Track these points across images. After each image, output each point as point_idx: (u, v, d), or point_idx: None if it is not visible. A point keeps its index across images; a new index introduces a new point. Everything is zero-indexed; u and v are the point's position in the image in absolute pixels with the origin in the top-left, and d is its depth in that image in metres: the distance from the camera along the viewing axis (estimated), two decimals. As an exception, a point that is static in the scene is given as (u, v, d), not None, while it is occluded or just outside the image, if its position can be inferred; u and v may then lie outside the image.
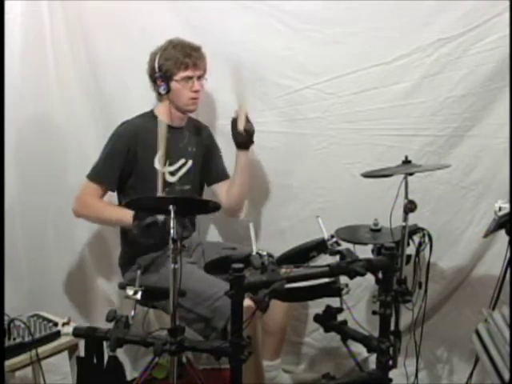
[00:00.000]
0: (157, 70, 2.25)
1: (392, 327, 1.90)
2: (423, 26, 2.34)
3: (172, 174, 2.34)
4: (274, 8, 2.43)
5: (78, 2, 2.46)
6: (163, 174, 2.25)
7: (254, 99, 2.52)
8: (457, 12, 2.30)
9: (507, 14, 2.22)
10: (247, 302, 1.77)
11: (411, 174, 1.94)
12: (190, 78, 2.26)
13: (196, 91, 2.28)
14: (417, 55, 2.36)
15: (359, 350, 2.21)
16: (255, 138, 2.40)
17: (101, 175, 2.25)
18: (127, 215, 2.07)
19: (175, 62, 2.23)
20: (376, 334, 1.88)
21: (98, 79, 2.55)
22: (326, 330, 2.07)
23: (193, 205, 1.93)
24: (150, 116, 2.34)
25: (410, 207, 1.93)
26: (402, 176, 1.94)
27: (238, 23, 2.47)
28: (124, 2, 2.47)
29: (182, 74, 2.24)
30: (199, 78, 2.29)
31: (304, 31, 2.43)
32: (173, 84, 2.26)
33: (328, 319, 2.04)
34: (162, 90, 2.26)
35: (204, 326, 2.07)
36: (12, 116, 2.35)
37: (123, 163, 2.25)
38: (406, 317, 2.13)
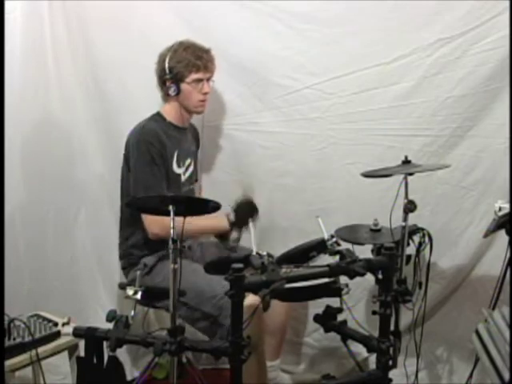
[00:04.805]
0: (167, 71, 2.23)
1: (392, 327, 1.90)
2: (423, 26, 2.33)
3: (184, 174, 2.35)
4: (274, 8, 2.42)
5: (77, 2, 2.47)
6: (179, 175, 2.29)
7: (254, 99, 2.52)
8: (457, 12, 2.29)
9: (507, 14, 2.21)
10: (251, 300, 1.76)
11: (411, 174, 1.94)
12: (200, 80, 2.26)
13: (205, 93, 2.28)
14: (417, 55, 2.35)
15: (359, 349, 2.21)
16: (255, 138, 2.36)
17: (157, 189, 2.16)
18: (221, 222, 2.19)
19: (187, 65, 2.22)
20: (376, 334, 1.87)
21: (98, 79, 2.55)
22: (326, 330, 2.07)
23: (193, 204, 1.93)
24: (160, 118, 2.31)
25: (410, 207, 1.93)
26: (402, 176, 1.95)
27: (238, 23, 2.47)
28: (124, 2, 2.48)
29: (194, 76, 2.24)
30: (208, 79, 2.29)
31: (304, 31, 2.43)
32: (183, 86, 2.25)
33: (328, 319, 2.05)
34: (172, 92, 2.25)
35: (209, 324, 2.07)
36: (12, 116, 2.35)
37: (163, 168, 2.21)
38: (406, 317, 2.13)
